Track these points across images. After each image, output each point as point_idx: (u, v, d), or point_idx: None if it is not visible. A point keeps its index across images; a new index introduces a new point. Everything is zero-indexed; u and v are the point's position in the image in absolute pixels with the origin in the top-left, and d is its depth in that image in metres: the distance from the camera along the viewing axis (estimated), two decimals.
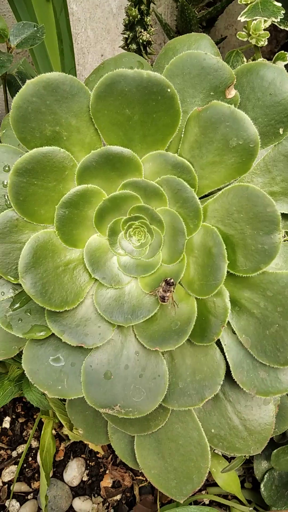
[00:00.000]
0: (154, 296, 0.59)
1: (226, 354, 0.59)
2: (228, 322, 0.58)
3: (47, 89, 0.53)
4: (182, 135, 0.56)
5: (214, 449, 0.71)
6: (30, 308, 0.61)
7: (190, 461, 0.63)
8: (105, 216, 0.59)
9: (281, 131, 0.58)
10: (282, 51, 0.89)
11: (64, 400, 0.78)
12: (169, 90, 0.51)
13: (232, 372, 0.58)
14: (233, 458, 0.90)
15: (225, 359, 0.59)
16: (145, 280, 0.61)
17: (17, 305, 0.60)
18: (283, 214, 0.61)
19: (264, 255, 0.52)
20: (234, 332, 0.59)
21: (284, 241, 0.67)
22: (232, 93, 0.55)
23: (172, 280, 0.56)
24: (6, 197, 0.59)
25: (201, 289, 0.56)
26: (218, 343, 0.60)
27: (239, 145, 0.51)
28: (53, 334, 0.59)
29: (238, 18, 0.83)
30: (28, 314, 0.61)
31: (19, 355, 0.64)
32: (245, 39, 0.89)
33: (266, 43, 0.88)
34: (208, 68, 0.54)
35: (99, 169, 0.56)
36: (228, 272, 0.54)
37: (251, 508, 0.94)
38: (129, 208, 0.59)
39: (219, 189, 0.56)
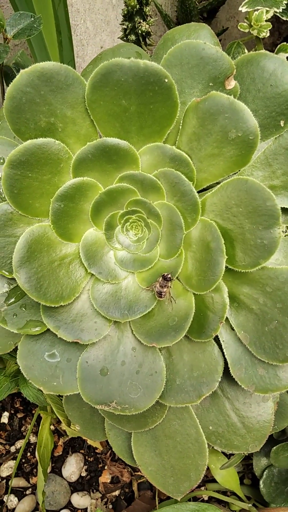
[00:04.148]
0: (151, 292, 0.58)
1: (224, 350, 0.58)
2: (227, 318, 0.57)
3: (41, 79, 0.51)
4: (180, 127, 0.54)
5: (213, 446, 0.70)
6: (25, 303, 0.60)
7: (188, 458, 0.62)
8: (102, 210, 0.58)
9: (282, 123, 0.57)
10: (285, 43, 0.88)
11: (61, 395, 0.77)
12: (166, 80, 0.50)
13: (230, 368, 0.57)
14: (232, 454, 0.90)
15: (223, 355, 0.58)
16: (142, 275, 0.60)
17: (12, 300, 0.59)
18: (283, 209, 0.60)
19: (264, 250, 0.51)
20: (232, 329, 0.58)
21: (285, 236, 0.66)
22: (231, 84, 0.53)
23: (169, 276, 0.55)
24: (0, 190, 0.58)
25: (199, 285, 0.55)
26: (216, 340, 0.59)
27: (238, 137, 0.50)
28: (48, 329, 0.58)
29: (239, 9, 0.81)
30: (23, 309, 0.60)
31: (16, 350, 0.63)
32: (246, 31, 0.88)
33: (268, 34, 0.86)
34: (207, 58, 0.53)
35: (95, 161, 0.55)
36: (226, 267, 0.53)
37: (250, 505, 0.93)
38: (126, 201, 0.58)
39: (217, 183, 0.55)
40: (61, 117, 0.54)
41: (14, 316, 0.59)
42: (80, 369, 0.58)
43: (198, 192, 0.55)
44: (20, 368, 0.59)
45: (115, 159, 0.55)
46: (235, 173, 0.54)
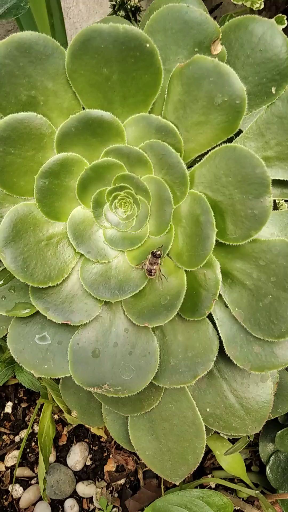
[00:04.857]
0: (141, 270, 0.57)
1: (218, 329, 0.56)
2: (220, 295, 0.55)
3: (20, 50, 0.49)
4: (166, 96, 0.52)
5: (216, 431, 0.69)
6: (14, 285, 0.59)
7: (185, 441, 0.61)
8: (88, 187, 0.56)
9: (273, 90, 0.54)
10: (280, 15, 0.84)
11: (58, 381, 0.76)
12: (148, 45, 0.47)
13: (225, 347, 0.55)
14: (237, 440, 0.88)
15: (218, 334, 0.56)
16: (132, 254, 0.58)
17: (0, 282, 0.58)
18: (279, 181, 0.58)
19: (254, 221, 0.48)
20: (226, 306, 0.55)
21: (281, 210, 0.63)
22: (218, 48, 0.51)
23: (158, 252, 0.53)
24: None
25: (190, 261, 0.53)
26: (211, 318, 0.57)
27: (225, 102, 0.47)
28: (38, 312, 0.56)
29: None
30: (12, 291, 0.58)
31: None
32: (240, 3, 0.85)
33: (262, 6, 0.83)
34: (191, 22, 0.50)
35: (79, 135, 0.53)
36: (218, 241, 0.51)
37: (257, 491, 0.91)
38: (113, 177, 0.56)
39: (206, 153, 0.53)
40: (42, 89, 0.52)
41: (3, 299, 0.58)
42: (71, 352, 0.57)
43: (186, 164, 0.53)
44: (11, 351, 0.58)
45: (99, 132, 0.53)
46: (224, 142, 0.51)
